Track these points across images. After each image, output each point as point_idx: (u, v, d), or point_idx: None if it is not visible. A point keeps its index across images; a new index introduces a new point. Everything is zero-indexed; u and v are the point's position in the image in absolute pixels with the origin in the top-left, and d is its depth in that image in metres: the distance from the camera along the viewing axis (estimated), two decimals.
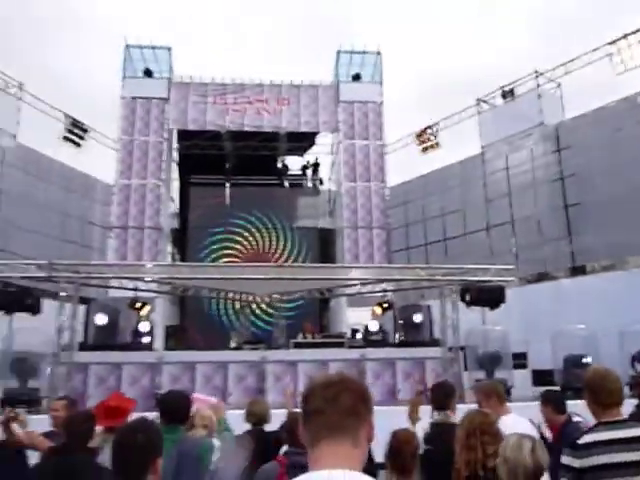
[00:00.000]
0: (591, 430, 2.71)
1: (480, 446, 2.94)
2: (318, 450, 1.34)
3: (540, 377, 12.24)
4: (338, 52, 21.57)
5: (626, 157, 15.68)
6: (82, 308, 13.37)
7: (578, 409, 4.20)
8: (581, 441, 2.63)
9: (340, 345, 14.14)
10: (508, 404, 4.19)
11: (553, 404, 4.36)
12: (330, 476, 1.26)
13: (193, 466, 3.42)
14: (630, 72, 17.02)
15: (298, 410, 4.06)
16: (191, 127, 21.14)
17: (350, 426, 1.36)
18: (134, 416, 3.96)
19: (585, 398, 2.87)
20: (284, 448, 3.73)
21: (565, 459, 2.61)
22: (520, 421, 3.79)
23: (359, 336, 15.74)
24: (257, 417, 4.58)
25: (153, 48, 20.82)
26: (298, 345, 14.30)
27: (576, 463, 2.54)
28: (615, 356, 11.88)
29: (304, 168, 25.27)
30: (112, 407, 3.97)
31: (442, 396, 4.26)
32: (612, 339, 12.21)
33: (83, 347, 12.72)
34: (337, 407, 1.36)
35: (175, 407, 3.63)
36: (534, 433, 3.63)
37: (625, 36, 17.01)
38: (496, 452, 2.89)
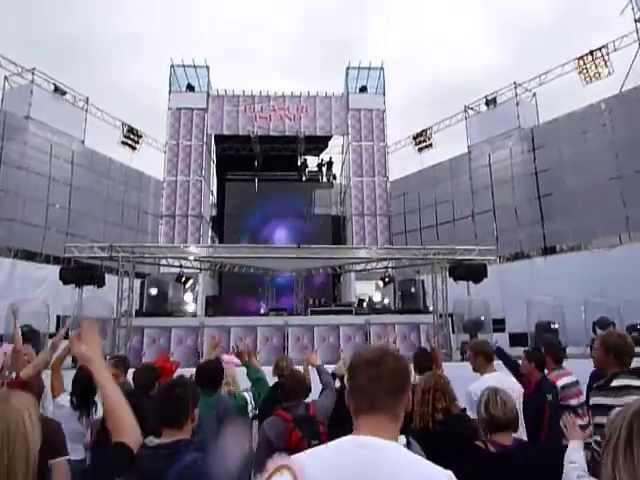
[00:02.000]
0: (615, 377, 2.71)
1: (432, 402, 2.89)
2: (357, 422, 1.30)
3: (516, 339, 12.12)
4: (347, 68, 21.36)
5: (591, 155, 15.35)
6: (138, 282, 13.51)
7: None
8: (613, 384, 2.66)
9: (349, 312, 14.13)
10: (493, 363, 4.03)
11: (535, 362, 4.32)
12: (362, 441, 1.23)
13: (235, 418, 3.40)
14: (595, 83, 16.68)
15: (299, 368, 3.99)
16: (226, 132, 21.10)
17: (389, 403, 1.29)
18: (178, 372, 4.01)
19: (600, 353, 2.86)
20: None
21: (600, 400, 2.63)
22: (502, 378, 3.62)
23: (365, 305, 15.74)
24: (282, 371, 4.56)
25: (194, 67, 20.72)
26: (314, 312, 14.32)
27: (612, 401, 2.52)
28: (579, 322, 11.75)
29: (319, 165, 25.14)
30: (158, 367, 4.00)
31: (424, 362, 4.22)
32: (577, 308, 12.06)
33: (139, 314, 12.86)
34: (379, 387, 1.28)
35: (210, 375, 3.61)
36: (516, 388, 3.54)
37: (591, 52, 16.65)
38: (445, 408, 2.85)
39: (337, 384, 4.36)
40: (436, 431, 2.79)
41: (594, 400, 2.74)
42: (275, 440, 3.02)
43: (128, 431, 1.52)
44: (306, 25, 38.98)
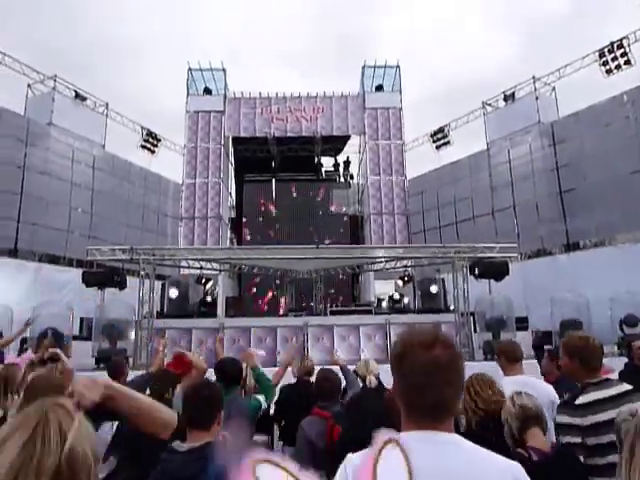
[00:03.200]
0: (583, 391, 2.45)
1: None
2: (413, 422, 1.14)
3: (541, 338, 11.86)
4: (363, 67, 21.21)
5: (613, 149, 14.98)
6: (158, 284, 13.60)
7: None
8: (579, 401, 2.39)
9: (368, 312, 14.01)
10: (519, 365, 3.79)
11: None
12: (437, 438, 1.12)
13: (240, 418, 3.36)
14: (616, 75, 16.30)
15: (325, 367, 3.90)
16: (243, 134, 21.16)
17: (455, 402, 1.16)
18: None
19: (566, 362, 2.60)
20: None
21: (565, 419, 2.37)
22: (526, 381, 3.37)
23: (384, 304, 15.60)
24: (305, 371, 4.58)
25: (211, 70, 20.82)
26: (334, 312, 14.25)
27: (578, 421, 2.31)
28: (605, 320, 11.44)
29: (336, 165, 25.06)
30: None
31: None
32: (602, 305, 11.74)
33: (160, 315, 12.96)
34: (445, 382, 1.12)
35: (228, 372, 3.59)
36: (543, 392, 3.34)
37: (611, 44, 16.28)
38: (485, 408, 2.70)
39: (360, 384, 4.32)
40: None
41: (559, 419, 2.43)
42: (316, 439, 3.01)
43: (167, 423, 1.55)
44: (320, 24, 38.96)
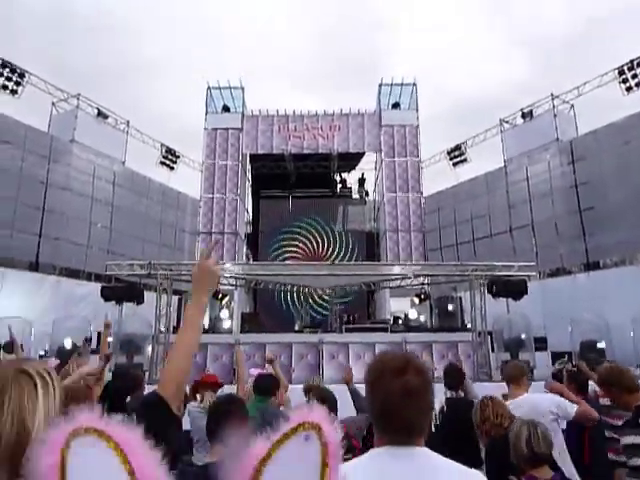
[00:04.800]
0: None
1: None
2: (385, 439, 1.20)
3: (558, 359, 11.63)
4: (380, 85, 21.36)
5: (633, 166, 14.81)
6: (175, 299, 13.71)
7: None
8: None
9: (384, 330, 13.90)
10: (526, 385, 3.76)
11: (576, 382, 4.16)
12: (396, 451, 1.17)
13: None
14: (636, 92, 16.19)
15: (322, 387, 3.89)
16: (261, 151, 21.39)
17: (424, 424, 1.21)
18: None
19: (608, 394, 2.72)
20: None
21: (632, 439, 2.42)
22: (526, 401, 3.41)
23: (400, 322, 15.46)
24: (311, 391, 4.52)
25: (230, 88, 21.18)
26: (349, 329, 14.16)
27: None
28: (627, 342, 11.20)
29: (349, 182, 25.17)
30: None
31: (455, 379, 4.23)
32: (624, 327, 11.50)
33: (176, 330, 12.99)
34: (413, 407, 1.17)
35: (266, 385, 3.70)
36: (543, 408, 3.30)
37: (631, 62, 16.20)
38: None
39: None
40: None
41: (626, 440, 2.48)
42: None
43: (167, 383, 1.39)
44: (336, 42, 39.46)
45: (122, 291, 12.68)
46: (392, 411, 1.18)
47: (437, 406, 3.75)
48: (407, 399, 1.16)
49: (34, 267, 15.50)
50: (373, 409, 1.24)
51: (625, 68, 16.37)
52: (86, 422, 0.56)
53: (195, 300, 1.52)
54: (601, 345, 11.07)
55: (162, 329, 11.96)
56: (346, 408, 3.87)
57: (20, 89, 16.72)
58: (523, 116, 19.35)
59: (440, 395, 4.09)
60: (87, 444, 0.55)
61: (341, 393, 4.03)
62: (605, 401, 4.09)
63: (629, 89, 16.32)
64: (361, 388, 4.21)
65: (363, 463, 1.16)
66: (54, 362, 3.52)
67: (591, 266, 15.99)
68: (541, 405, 3.28)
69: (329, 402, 3.42)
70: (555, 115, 18.05)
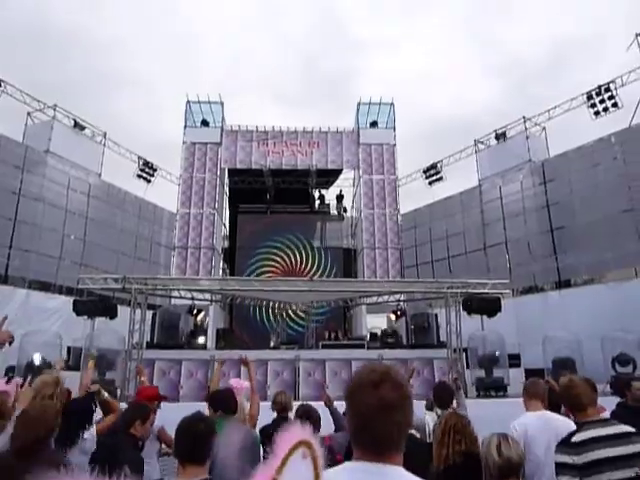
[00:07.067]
0: (578, 430, 2.47)
1: (451, 444, 2.72)
2: (361, 454, 1.17)
3: (532, 375, 11.74)
4: (359, 103, 21.67)
5: (602, 188, 15.31)
6: (150, 313, 13.46)
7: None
8: (575, 439, 2.39)
9: (361, 346, 13.90)
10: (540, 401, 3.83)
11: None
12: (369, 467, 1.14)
13: (254, 452, 3.28)
14: (604, 117, 16.79)
15: (305, 403, 3.84)
16: (239, 166, 21.36)
17: (398, 439, 1.17)
18: (190, 406, 3.90)
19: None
20: None
21: (562, 457, 2.36)
22: (544, 417, 3.39)
23: (377, 339, 15.48)
24: (281, 406, 4.37)
25: (209, 103, 21.17)
26: (326, 346, 14.11)
27: (574, 460, 2.30)
28: (597, 358, 11.41)
29: (329, 198, 25.29)
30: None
31: (446, 396, 4.17)
32: (594, 344, 11.74)
33: (150, 346, 12.75)
34: (388, 421, 1.14)
35: (226, 401, 3.53)
36: (562, 428, 3.28)
37: (598, 87, 16.81)
38: (464, 450, 2.69)
39: None
40: (453, 474, 2.66)
41: (557, 458, 2.43)
42: None
43: None
44: (315, 62, 39.96)
45: (95, 305, 12.39)
46: (367, 425, 1.16)
47: (431, 424, 3.75)
48: (382, 413, 1.14)
49: (3, 279, 15.04)
50: (350, 423, 1.22)
51: (593, 93, 16.98)
52: None
53: None
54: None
55: (135, 344, 11.70)
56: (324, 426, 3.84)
57: None
58: (497, 137, 19.87)
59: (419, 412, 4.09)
60: None
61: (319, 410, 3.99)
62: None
63: (597, 113, 16.90)
64: (340, 406, 4.21)
65: (332, 476, 1.10)
66: (18, 381, 3.38)
67: (562, 284, 16.35)
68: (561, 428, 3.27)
69: (312, 419, 3.40)
70: (527, 137, 18.57)
